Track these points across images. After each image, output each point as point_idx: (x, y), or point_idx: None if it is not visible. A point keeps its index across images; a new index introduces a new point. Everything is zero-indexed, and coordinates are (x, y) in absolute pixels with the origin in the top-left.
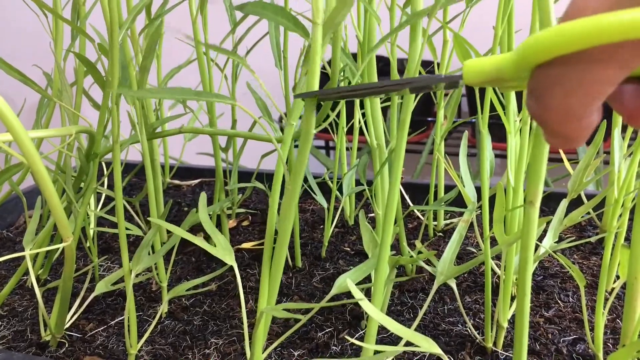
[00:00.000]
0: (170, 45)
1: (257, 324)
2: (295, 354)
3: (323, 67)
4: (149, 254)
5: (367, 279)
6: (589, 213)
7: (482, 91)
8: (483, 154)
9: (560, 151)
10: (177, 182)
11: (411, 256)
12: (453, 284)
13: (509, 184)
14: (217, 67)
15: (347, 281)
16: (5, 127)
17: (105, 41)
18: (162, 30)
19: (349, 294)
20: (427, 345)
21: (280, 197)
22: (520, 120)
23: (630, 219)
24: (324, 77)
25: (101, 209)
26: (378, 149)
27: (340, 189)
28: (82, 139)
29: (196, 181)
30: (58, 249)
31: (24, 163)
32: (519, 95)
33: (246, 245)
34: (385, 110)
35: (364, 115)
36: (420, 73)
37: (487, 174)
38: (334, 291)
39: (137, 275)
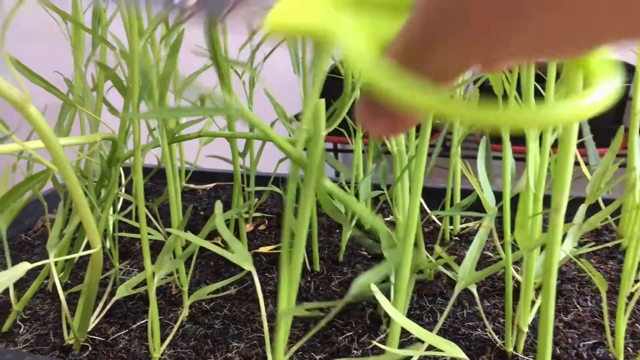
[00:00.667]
0: (185, 49)
1: (278, 326)
2: (317, 357)
3: (337, 72)
4: (170, 259)
5: (386, 281)
6: (606, 218)
7: (505, 98)
8: (506, 159)
9: (578, 155)
10: (192, 186)
11: (430, 261)
12: (474, 289)
13: (529, 190)
14: (236, 74)
15: (369, 283)
16: (39, 135)
17: (125, 48)
18: (182, 39)
19: (367, 299)
20: (451, 349)
21: (297, 201)
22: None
23: None
24: (339, 83)
25: (119, 213)
26: (399, 155)
27: (356, 193)
28: (102, 144)
29: (211, 185)
30: (79, 253)
31: (50, 170)
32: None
33: (263, 249)
34: None
35: None
36: None
37: (509, 179)
38: (353, 291)
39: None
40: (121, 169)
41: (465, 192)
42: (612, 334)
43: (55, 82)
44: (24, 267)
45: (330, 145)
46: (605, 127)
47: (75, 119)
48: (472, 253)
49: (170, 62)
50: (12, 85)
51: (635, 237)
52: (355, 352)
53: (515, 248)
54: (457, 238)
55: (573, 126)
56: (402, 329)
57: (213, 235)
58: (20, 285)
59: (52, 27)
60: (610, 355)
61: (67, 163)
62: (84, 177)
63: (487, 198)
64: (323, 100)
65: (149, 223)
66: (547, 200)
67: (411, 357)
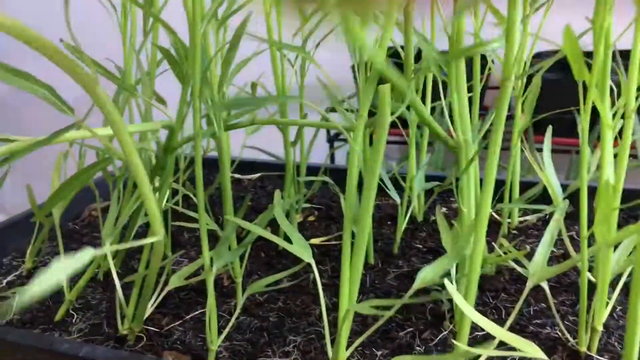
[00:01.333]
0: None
1: (342, 321)
2: (378, 353)
3: (397, 56)
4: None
5: (444, 276)
6: None
7: (585, 86)
8: (584, 149)
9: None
10: (237, 176)
11: (497, 255)
12: (545, 285)
13: (608, 182)
14: (288, 62)
15: (433, 276)
16: (108, 122)
17: (178, 37)
18: (247, 24)
19: (428, 293)
20: (529, 348)
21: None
22: (624, 115)
23: None
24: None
25: (167, 202)
26: (465, 145)
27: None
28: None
29: (257, 175)
30: (129, 241)
31: (109, 159)
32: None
33: (315, 240)
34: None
35: (433, 109)
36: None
37: (585, 170)
38: (417, 285)
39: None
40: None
41: (523, 185)
42: None
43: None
44: (89, 253)
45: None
46: None
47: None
48: (543, 248)
49: (232, 48)
50: (81, 65)
51: None
52: (418, 348)
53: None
54: (515, 232)
55: None
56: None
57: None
58: (71, 274)
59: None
60: None
61: (134, 150)
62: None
63: (556, 191)
64: (389, 85)
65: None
66: (624, 194)
67: (479, 357)
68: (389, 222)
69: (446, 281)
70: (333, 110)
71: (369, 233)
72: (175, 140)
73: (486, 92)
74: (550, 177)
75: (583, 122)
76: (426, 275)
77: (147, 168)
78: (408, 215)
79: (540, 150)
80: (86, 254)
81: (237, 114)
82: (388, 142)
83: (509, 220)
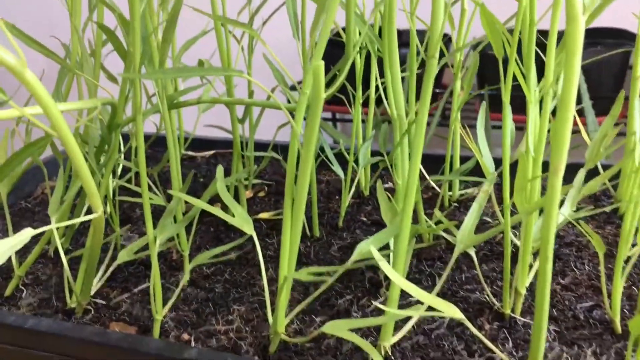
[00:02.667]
0: (183, 15)
1: (280, 289)
2: (317, 320)
3: (338, 35)
4: (171, 223)
5: (386, 247)
6: (604, 183)
7: (505, 62)
8: (506, 123)
9: (578, 121)
10: (191, 153)
11: (429, 226)
12: (472, 252)
13: (528, 154)
14: (234, 39)
15: (370, 248)
16: (38, 102)
17: (122, 13)
18: (181, 3)
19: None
20: (449, 310)
21: (297, 168)
22: (540, 90)
23: None
24: (339, 50)
25: (119, 179)
26: (398, 120)
27: (356, 160)
28: (100, 110)
29: (210, 152)
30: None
31: (49, 136)
32: (539, 66)
33: (263, 215)
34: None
35: (377, 88)
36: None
37: (508, 143)
38: (355, 257)
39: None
40: (120, 136)
41: (465, 159)
42: (609, 296)
43: (52, 48)
44: (28, 232)
45: (329, 115)
46: (606, 95)
47: (73, 85)
48: (471, 217)
49: (170, 24)
50: (7, 50)
51: (634, 200)
52: (355, 314)
53: (513, 213)
54: (456, 204)
55: (573, 84)
56: (401, 292)
57: (213, 202)
58: (22, 251)
59: None
60: (606, 316)
61: (66, 128)
62: (84, 143)
63: (487, 163)
64: (322, 62)
65: (149, 189)
66: (546, 166)
67: (410, 319)
68: (337, 197)
69: (373, 250)
70: (293, 88)
71: (315, 206)
72: (119, 118)
73: (445, 70)
74: (482, 150)
75: (504, 97)
76: (364, 247)
77: (92, 145)
78: (353, 189)
79: (495, 127)
80: (26, 233)
81: (184, 91)
82: (337, 120)
83: (450, 193)
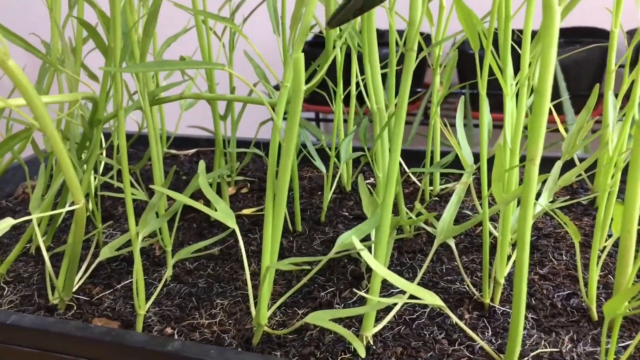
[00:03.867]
0: (165, 12)
1: (262, 280)
2: (300, 312)
3: (320, 36)
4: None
5: (367, 239)
6: (580, 175)
7: (481, 57)
8: (482, 116)
9: (556, 118)
10: (174, 151)
11: (410, 218)
12: (452, 243)
13: (506, 146)
14: (215, 36)
15: (352, 238)
16: (20, 92)
17: (103, 10)
18: None
19: (349, 256)
20: (430, 298)
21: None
22: (517, 83)
23: (622, 181)
24: (320, 49)
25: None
26: (378, 113)
27: (337, 156)
28: (82, 106)
29: (193, 150)
30: (61, 216)
31: (30, 129)
32: (515, 59)
33: (246, 211)
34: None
35: (357, 85)
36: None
37: (485, 135)
38: (336, 248)
39: (142, 240)
40: (102, 133)
41: (446, 154)
42: (586, 284)
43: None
44: (9, 222)
45: (312, 115)
46: (584, 93)
47: (53, 83)
48: (450, 208)
49: (151, 20)
50: None
51: (608, 190)
52: (337, 306)
53: (492, 204)
54: (437, 198)
55: (549, 75)
56: (383, 283)
57: (196, 198)
58: (3, 248)
59: None
60: (583, 304)
61: (49, 119)
62: (66, 139)
63: (465, 156)
64: (302, 54)
65: (132, 187)
66: (523, 158)
67: (392, 309)
68: (319, 193)
69: (354, 239)
70: (277, 88)
71: (297, 202)
72: (100, 114)
73: (427, 70)
74: (461, 143)
75: (480, 90)
76: (345, 239)
77: (74, 141)
78: (335, 184)
79: (477, 126)
80: (7, 222)
81: (165, 87)
82: (320, 120)
83: (431, 188)
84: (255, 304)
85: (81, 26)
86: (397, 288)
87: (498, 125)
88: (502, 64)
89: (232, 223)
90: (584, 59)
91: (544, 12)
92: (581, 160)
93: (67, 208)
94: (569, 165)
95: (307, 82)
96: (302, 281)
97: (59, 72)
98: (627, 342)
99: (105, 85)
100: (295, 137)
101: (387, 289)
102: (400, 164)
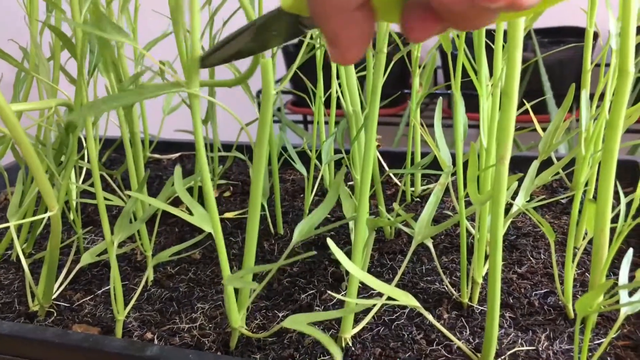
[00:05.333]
0: (146, 21)
1: (226, 290)
2: (280, 315)
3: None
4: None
5: (347, 242)
6: (559, 174)
7: (456, 57)
8: (457, 117)
9: (533, 118)
10: (157, 156)
11: (389, 219)
12: (430, 243)
13: (481, 146)
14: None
15: (327, 241)
16: None
17: (66, 17)
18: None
19: (330, 259)
20: (405, 298)
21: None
22: (492, 84)
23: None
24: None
25: (83, 183)
26: (354, 115)
27: (319, 158)
28: (61, 113)
29: (176, 155)
30: (42, 223)
31: (5, 137)
32: (490, 61)
33: (228, 214)
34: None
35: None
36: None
37: (461, 136)
38: (296, 237)
39: (120, 246)
40: (83, 139)
41: (427, 155)
42: (562, 283)
43: (13, 52)
44: None
45: (300, 118)
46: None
47: (34, 90)
48: (429, 208)
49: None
50: None
51: (582, 188)
52: (317, 308)
53: (471, 205)
54: (418, 199)
55: (515, 75)
56: (364, 286)
57: (179, 203)
58: None
59: None
60: (560, 302)
61: (19, 126)
62: (43, 145)
63: (444, 157)
64: (270, 59)
65: (114, 193)
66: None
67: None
68: (301, 195)
69: (329, 241)
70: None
71: (278, 204)
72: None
73: (411, 71)
74: (439, 144)
75: (454, 90)
76: (303, 227)
77: (50, 148)
78: (316, 187)
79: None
80: None
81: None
82: (309, 122)
83: (412, 189)
84: (228, 309)
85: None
86: (376, 290)
87: (476, 125)
88: (477, 66)
89: (208, 227)
90: (569, 58)
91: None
92: (560, 158)
93: (41, 216)
94: (548, 164)
95: (296, 84)
96: (266, 279)
97: (39, 79)
98: (602, 340)
99: (79, 90)
100: (266, 140)
101: (367, 290)
102: (383, 165)
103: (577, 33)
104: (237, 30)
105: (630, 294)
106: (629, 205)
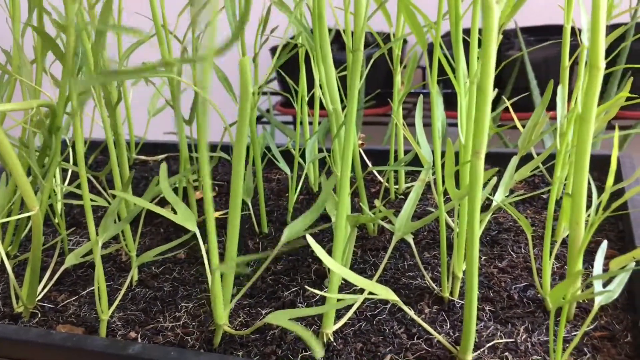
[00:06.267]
0: (126, 20)
1: (213, 282)
2: (263, 312)
3: (292, 37)
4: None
5: (331, 240)
6: (539, 169)
7: (432, 54)
8: (434, 113)
9: (512, 113)
10: (143, 157)
11: (371, 215)
12: (410, 239)
13: (459, 142)
14: (177, 40)
15: (307, 238)
16: None
17: (62, 17)
18: (110, 14)
19: (313, 256)
20: (385, 293)
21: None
22: (469, 81)
23: None
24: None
25: (68, 185)
26: (334, 113)
27: (303, 157)
28: (43, 114)
29: (163, 156)
30: (27, 225)
31: None
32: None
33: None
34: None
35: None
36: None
37: (438, 132)
38: (285, 238)
39: (105, 247)
40: (68, 140)
41: (409, 152)
42: (541, 276)
43: None
44: None
45: (289, 119)
46: (554, 90)
47: (17, 92)
48: (409, 205)
49: (101, 21)
50: None
51: (557, 183)
52: (300, 305)
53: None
54: (402, 197)
55: (489, 71)
56: (347, 282)
57: (164, 203)
58: None
59: None
60: (538, 295)
61: None
62: (25, 146)
63: (424, 153)
64: (247, 57)
65: (100, 195)
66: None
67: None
68: (286, 194)
69: (308, 237)
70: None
71: (263, 203)
72: (59, 120)
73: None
74: (420, 141)
75: (431, 88)
76: (292, 228)
77: (32, 149)
78: (301, 186)
79: (450, 125)
80: None
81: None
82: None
83: (396, 187)
84: (211, 304)
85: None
86: (359, 286)
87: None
88: (454, 63)
89: (192, 226)
90: (554, 56)
91: (483, 12)
92: (540, 154)
93: (23, 215)
94: (529, 160)
95: (284, 85)
96: (257, 274)
97: (22, 82)
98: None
99: (63, 92)
100: (244, 139)
101: (350, 286)
102: (367, 163)
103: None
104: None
105: (605, 284)
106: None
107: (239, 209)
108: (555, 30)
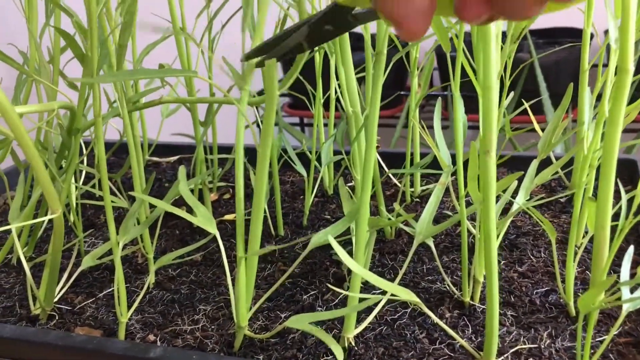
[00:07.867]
0: (145, 18)
1: (239, 276)
2: (282, 315)
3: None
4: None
5: (348, 243)
6: (558, 173)
7: (454, 59)
8: (456, 116)
9: (531, 116)
10: (156, 159)
11: (389, 219)
12: (431, 242)
13: (474, 145)
14: (194, 42)
15: (329, 238)
16: None
17: (79, 19)
18: (136, 6)
19: (331, 259)
20: (407, 295)
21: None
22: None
23: (597, 178)
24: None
25: (82, 186)
26: (354, 116)
27: (318, 159)
28: (60, 116)
29: (175, 158)
30: (42, 226)
31: (8, 139)
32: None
33: (228, 217)
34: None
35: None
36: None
37: (461, 135)
38: (310, 246)
39: (123, 248)
40: (82, 142)
41: (425, 156)
42: (563, 281)
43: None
44: None
45: (296, 120)
46: (564, 92)
47: (32, 93)
48: (429, 209)
49: (125, 29)
50: None
51: (583, 187)
52: (319, 308)
53: (470, 203)
54: (417, 199)
55: (491, 70)
56: (365, 285)
57: (178, 205)
58: None
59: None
60: (561, 300)
61: (23, 129)
62: (44, 149)
63: (443, 156)
64: (274, 59)
65: (114, 195)
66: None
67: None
68: (301, 197)
69: (331, 239)
70: (261, 93)
71: (279, 206)
72: (78, 122)
73: (408, 72)
74: (439, 144)
75: (454, 91)
76: (319, 238)
77: (52, 151)
78: (316, 188)
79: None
80: None
81: (144, 92)
82: (305, 125)
83: (412, 189)
84: (236, 303)
85: (59, 35)
86: (378, 290)
87: (475, 127)
88: (475, 65)
89: (212, 228)
90: (564, 59)
91: None
92: (558, 158)
93: (44, 217)
94: (547, 163)
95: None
96: (282, 278)
97: (38, 82)
98: (604, 337)
99: (83, 94)
100: (270, 141)
101: (368, 290)
102: (382, 166)
103: (572, 34)
104: (290, 28)
105: (632, 290)
106: (629, 203)
107: (262, 210)
108: (564, 33)
